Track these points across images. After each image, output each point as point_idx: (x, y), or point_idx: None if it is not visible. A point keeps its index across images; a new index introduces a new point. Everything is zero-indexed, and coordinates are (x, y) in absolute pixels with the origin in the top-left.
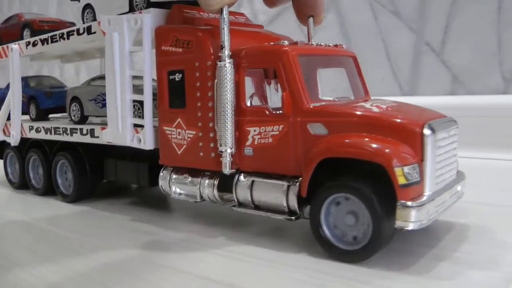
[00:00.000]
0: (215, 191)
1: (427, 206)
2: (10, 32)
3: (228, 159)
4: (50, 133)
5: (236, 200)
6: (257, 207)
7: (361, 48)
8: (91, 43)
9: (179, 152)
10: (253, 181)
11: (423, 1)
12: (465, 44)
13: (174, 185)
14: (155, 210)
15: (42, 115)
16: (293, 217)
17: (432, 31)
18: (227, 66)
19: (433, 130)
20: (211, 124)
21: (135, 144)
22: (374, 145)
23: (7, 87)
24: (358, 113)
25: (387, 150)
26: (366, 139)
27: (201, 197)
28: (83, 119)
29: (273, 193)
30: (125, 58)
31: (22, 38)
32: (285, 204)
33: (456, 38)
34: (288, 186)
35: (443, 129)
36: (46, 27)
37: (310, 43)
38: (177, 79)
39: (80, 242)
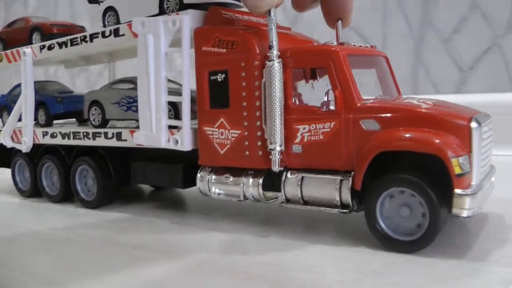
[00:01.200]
0: (260, 189)
1: (478, 194)
2: (17, 36)
3: (278, 156)
4: (69, 138)
5: (284, 197)
6: (306, 202)
7: None
8: (116, 46)
9: (221, 152)
10: (303, 177)
11: None
12: None
13: (214, 186)
14: (179, 210)
15: (51, 121)
16: (346, 210)
17: None
18: (276, 65)
19: (479, 124)
20: (258, 123)
21: (171, 146)
22: (431, 138)
23: (10, 92)
24: (410, 109)
25: (443, 143)
26: (422, 133)
27: (244, 196)
28: (104, 123)
29: (325, 188)
30: (160, 59)
31: (30, 42)
32: (337, 198)
33: None
34: (341, 181)
35: (485, 123)
36: (56, 30)
37: (352, 44)
38: (219, 80)
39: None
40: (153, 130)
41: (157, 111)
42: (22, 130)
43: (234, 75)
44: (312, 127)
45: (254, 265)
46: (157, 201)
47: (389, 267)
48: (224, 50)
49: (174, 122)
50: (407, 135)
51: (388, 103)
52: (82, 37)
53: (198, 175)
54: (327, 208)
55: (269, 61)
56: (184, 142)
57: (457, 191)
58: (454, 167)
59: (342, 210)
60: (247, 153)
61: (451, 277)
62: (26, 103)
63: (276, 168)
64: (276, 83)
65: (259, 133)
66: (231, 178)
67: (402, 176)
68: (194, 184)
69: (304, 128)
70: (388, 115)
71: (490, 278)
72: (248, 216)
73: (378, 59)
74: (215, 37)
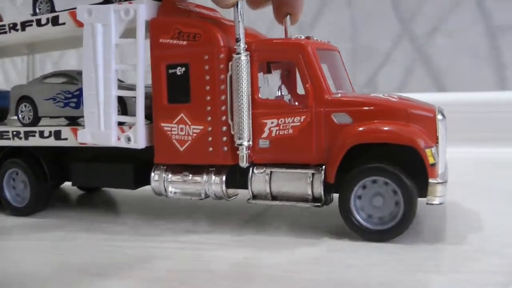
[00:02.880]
0: (223, 186)
1: (447, 182)
2: None
3: (246, 152)
4: None
5: (250, 193)
6: (274, 198)
7: None
8: (46, 36)
9: (181, 149)
10: (271, 172)
11: None
12: None
13: (170, 185)
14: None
15: None
16: (320, 204)
17: None
18: (243, 59)
19: (443, 115)
20: (223, 118)
21: (122, 144)
22: (406, 131)
23: None
24: (381, 102)
25: (416, 134)
26: (396, 125)
27: (205, 194)
28: (35, 121)
29: (296, 182)
30: (110, 51)
31: None
32: (309, 192)
33: None
34: (313, 174)
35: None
36: None
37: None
38: (179, 73)
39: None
40: (101, 128)
41: (106, 107)
42: None
43: (196, 69)
44: (281, 121)
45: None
46: (90, 204)
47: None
48: (185, 43)
49: (125, 119)
50: (384, 128)
51: (358, 97)
52: (11, 25)
53: (152, 174)
54: (299, 203)
55: (237, 54)
56: (138, 140)
57: (431, 180)
58: (428, 157)
59: (316, 204)
60: (210, 149)
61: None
62: None
63: (244, 164)
64: (243, 77)
65: (224, 128)
66: (190, 176)
67: (379, 166)
68: (145, 183)
69: (272, 123)
70: (360, 108)
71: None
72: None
73: (333, 54)
74: (174, 28)
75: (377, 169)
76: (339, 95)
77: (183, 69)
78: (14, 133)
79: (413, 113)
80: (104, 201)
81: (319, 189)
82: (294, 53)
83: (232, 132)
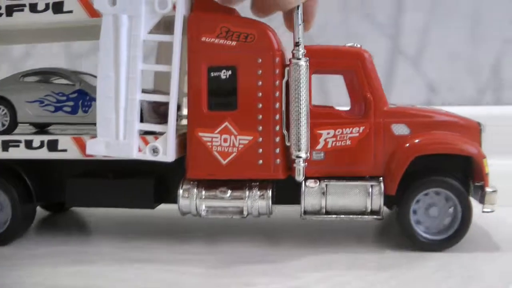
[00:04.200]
0: (270, 202)
1: None
2: None
3: (303, 165)
4: None
5: (303, 208)
6: (328, 212)
7: None
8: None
9: (224, 162)
10: (327, 186)
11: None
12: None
13: (204, 202)
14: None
15: None
16: (381, 216)
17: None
18: (303, 64)
19: (483, 127)
20: (277, 128)
21: (145, 156)
22: (464, 142)
23: None
24: (435, 114)
25: (474, 145)
26: (454, 137)
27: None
28: (12, 128)
29: (355, 195)
30: (136, 48)
31: None
32: (368, 205)
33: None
34: (372, 186)
35: None
36: None
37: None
38: (223, 77)
39: None
40: (120, 137)
41: (127, 113)
42: None
43: (245, 73)
44: (338, 132)
45: None
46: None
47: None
48: (234, 43)
49: (153, 127)
50: (447, 140)
51: (413, 109)
52: None
53: (180, 190)
54: (358, 216)
55: (296, 59)
56: (169, 151)
57: (488, 189)
58: (485, 167)
59: (377, 217)
60: (260, 162)
61: None
62: None
63: (301, 177)
64: (303, 84)
65: (277, 139)
66: (229, 192)
67: (438, 178)
68: (165, 201)
69: (328, 133)
70: (418, 120)
71: None
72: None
73: None
74: (221, 26)
75: (438, 181)
76: (393, 106)
77: (229, 72)
78: None
79: (464, 124)
80: (79, 221)
81: (378, 202)
82: (353, 62)
83: (287, 144)
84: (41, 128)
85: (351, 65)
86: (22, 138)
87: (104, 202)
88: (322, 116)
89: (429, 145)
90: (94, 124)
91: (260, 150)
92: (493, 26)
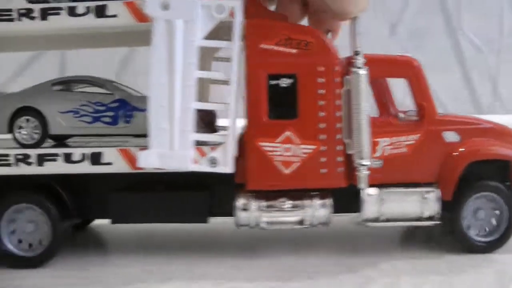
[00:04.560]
0: (330, 211)
1: None
2: None
3: (366, 173)
4: None
5: (363, 216)
6: (387, 219)
7: None
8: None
9: (286, 172)
10: (386, 193)
11: None
12: None
13: (265, 214)
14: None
15: None
16: (439, 222)
17: None
18: (363, 73)
19: None
20: (338, 136)
21: (202, 168)
22: (506, 148)
23: None
24: (481, 122)
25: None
26: (502, 143)
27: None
28: (42, 140)
29: (412, 202)
30: (192, 54)
31: None
32: (426, 211)
33: None
34: (429, 192)
35: None
36: None
37: None
38: (283, 85)
39: None
40: (175, 148)
41: (182, 123)
42: None
43: (306, 81)
44: (394, 139)
45: None
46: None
47: None
48: (295, 51)
49: (209, 137)
50: (491, 145)
51: (459, 116)
52: (23, 12)
53: (239, 203)
54: (417, 222)
55: (357, 68)
56: (228, 162)
57: None
58: None
59: (437, 222)
60: (324, 171)
61: None
62: None
63: (364, 185)
64: (364, 92)
65: (338, 148)
66: (289, 203)
67: (488, 183)
68: (217, 215)
69: (385, 141)
70: (467, 127)
71: None
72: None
73: None
74: (281, 34)
75: (488, 186)
76: (441, 114)
77: (290, 80)
78: (20, 157)
79: (505, 132)
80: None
81: (435, 207)
82: (407, 71)
83: (349, 152)
84: (59, 141)
85: (405, 73)
86: (61, 151)
87: (153, 218)
88: (378, 125)
89: (481, 151)
90: (136, 135)
91: (323, 159)
92: None
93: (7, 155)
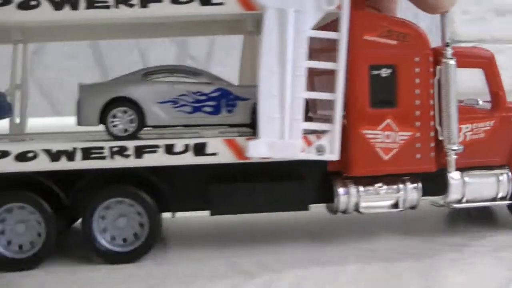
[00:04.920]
0: (420, 195)
1: None
2: None
3: (454, 157)
4: (70, 159)
5: (448, 198)
6: (467, 201)
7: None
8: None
9: (386, 158)
10: (469, 176)
11: None
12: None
13: (364, 199)
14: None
15: None
16: (509, 201)
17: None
18: (453, 64)
19: None
20: (431, 123)
21: (309, 156)
22: None
23: None
24: None
25: None
26: None
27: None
28: (137, 131)
29: (490, 184)
30: (302, 44)
31: None
32: (501, 192)
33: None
34: (501, 174)
35: None
36: None
37: None
38: (383, 75)
39: None
40: (285, 137)
41: (293, 112)
42: None
43: (404, 71)
44: (474, 126)
45: None
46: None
47: None
48: (395, 43)
49: (316, 126)
50: None
51: None
52: None
53: (339, 189)
54: (492, 203)
55: (448, 59)
56: (335, 150)
57: None
58: None
59: (507, 202)
60: (418, 156)
61: None
62: None
63: (453, 169)
64: (453, 82)
65: (431, 134)
66: (385, 187)
67: None
68: (316, 202)
69: (467, 127)
70: None
71: None
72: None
73: None
74: (383, 26)
75: None
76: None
77: (389, 70)
78: (115, 149)
79: None
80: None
81: (507, 188)
82: (484, 61)
83: (440, 137)
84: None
85: (481, 64)
86: (161, 142)
87: (254, 208)
88: (460, 112)
89: None
90: (238, 125)
91: (418, 145)
92: None
93: (101, 148)
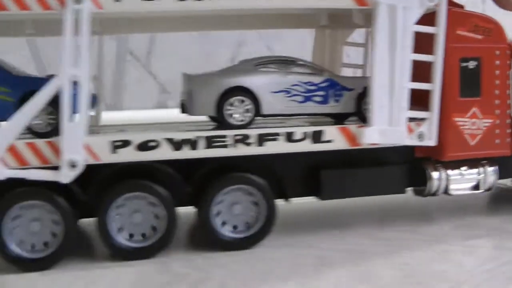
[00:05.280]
0: (497, 177)
1: None
2: None
3: None
4: (193, 148)
5: None
6: None
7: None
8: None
9: (472, 143)
10: None
11: None
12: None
13: (453, 182)
14: None
15: None
16: None
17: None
18: None
19: None
20: (508, 111)
21: (413, 142)
22: None
23: None
24: None
25: None
26: None
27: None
28: (252, 120)
29: None
30: (408, 38)
31: None
32: None
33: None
34: None
35: None
36: None
37: None
38: (470, 67)
39: None
40: (393, 124)
41: (399, 101)
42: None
43: (487, 63)
44: None
45: None
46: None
47: None
48: (481, 37)
49: (418, 114)
50: None
51: None
52: None
53: (434, 172)
54: None
55: None
56: (433, 136)
57: None
58: None
59: None
60: (497, 141)
61: None
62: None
63: None
64: None
65: (508, 121)
66: (469, 170)
67: None
68: (410, 185)
69: None
70: None
71: None
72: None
73: None
74: (471, 21)
75: None
76: None
77: (475, 63)
78: (239, 138)
79: None
80: None
81: None
82: None
83: None
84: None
85: None
86: (282, 130)
87: (360, 192)
88: None
89: None
90: (344, 114)
91: (497, 131)
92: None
93: (224, 136)
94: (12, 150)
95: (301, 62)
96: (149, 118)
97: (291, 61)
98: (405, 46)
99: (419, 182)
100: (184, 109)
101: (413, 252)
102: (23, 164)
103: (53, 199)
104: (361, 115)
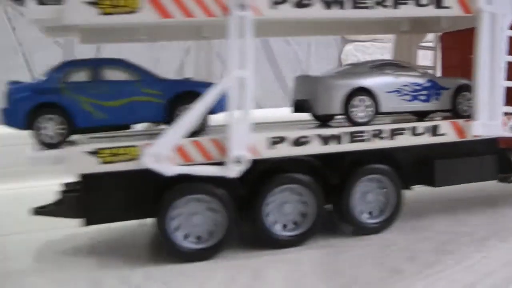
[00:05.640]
0: None
1: None
2: None
3: None
4: (339, 142)
5: None
6: None
7: None
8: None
9: None
10: None
11: None
12: None
13: None
14: None
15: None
16: None
17: None
18: None
19: None
20: None
21: (507, 133)
22: None
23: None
24: None
25: None
26: None
27: None
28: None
29: None
30: (504, 42)
31: None
32: None
33: None
34: None
35: None
36: None
37: None
38: None
39: None
40: (493, 118)
41: (497, 97)
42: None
43: None
44: None
45: None
46: None
47: None
48: None
49: (510, 109)
50: None
51: None
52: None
53: None
54: None
55: None
56: None
57: None
58: None
59: None
60: None
61: None
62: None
63: None
64: None
65: None
66: None
67: None
68: (500, 173)
69: None
70: None
71: None
72: None
73: None
74: None
75: None
76: None
77: None
78: (375, 132)
79: None
80: None
81: None
82: None
83: None
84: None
85: None
86: (408, 125)
87: (464, 179)
88: None
89: None
90: (442, 111)
91: None
92: None
93: (362, 132)
94: (179, 149)
95: (407, 65)
96: None
97: (399, 64)
98: (501, 50)
99: (505, 169)
100: (298, 108)
101: None
102: (188, 161)
103: (216, 193)
104: (455, 111)
